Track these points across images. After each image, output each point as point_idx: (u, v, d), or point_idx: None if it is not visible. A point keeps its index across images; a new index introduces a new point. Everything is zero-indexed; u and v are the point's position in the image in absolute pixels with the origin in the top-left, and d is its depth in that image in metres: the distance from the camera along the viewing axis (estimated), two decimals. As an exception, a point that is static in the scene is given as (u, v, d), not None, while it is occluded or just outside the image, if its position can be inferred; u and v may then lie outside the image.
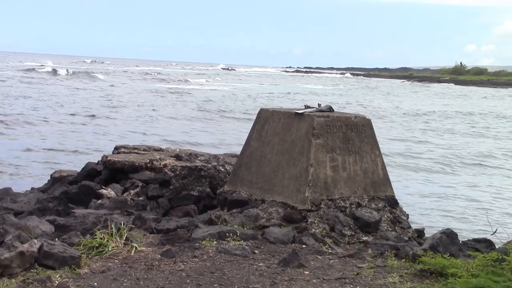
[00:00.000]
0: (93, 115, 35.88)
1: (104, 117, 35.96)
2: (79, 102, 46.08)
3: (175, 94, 61.54)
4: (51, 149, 23.53)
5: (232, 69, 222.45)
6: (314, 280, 6.32)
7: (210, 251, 7.10)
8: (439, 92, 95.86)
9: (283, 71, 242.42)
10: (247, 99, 61.11)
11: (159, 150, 13.46)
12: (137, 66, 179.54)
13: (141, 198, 10.67)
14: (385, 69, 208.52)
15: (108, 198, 10.64)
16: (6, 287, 5.52)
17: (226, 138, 27.98)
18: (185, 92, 65.83)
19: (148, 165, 11.77)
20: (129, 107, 44.65)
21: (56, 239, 7.10)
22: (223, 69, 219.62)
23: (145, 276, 6.16)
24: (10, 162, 20.53)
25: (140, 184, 11.19)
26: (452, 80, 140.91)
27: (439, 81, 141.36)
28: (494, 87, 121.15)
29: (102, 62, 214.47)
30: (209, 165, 11.52)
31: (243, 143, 10.07)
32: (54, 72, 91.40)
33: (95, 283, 5.86)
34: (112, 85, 70.73)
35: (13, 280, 5.70)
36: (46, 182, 13.59)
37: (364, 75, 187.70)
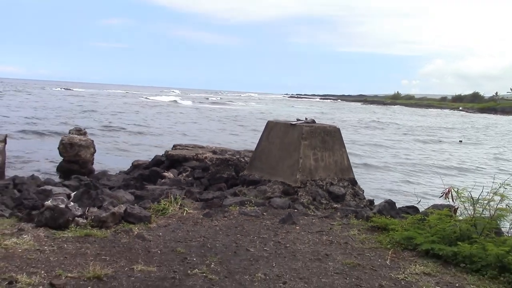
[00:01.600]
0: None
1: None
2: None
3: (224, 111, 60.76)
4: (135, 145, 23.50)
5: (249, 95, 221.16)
6: (302, 233, 6.31)
7: (234, 213, 7.10)
8: (383, 111, 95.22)
9: (282, 96, 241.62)
10: (259, 114, 60.98)
11: (202, 147, 13.46)
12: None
13: (190, 179, 10.68)
14: (349, 96, 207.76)
15: (169, 178, 10.66)
16: (104, 234, 5.54)
17: (247, 139, 27.85)
18: (232, 109, 65.73)
19: (195, 157, 11.78)
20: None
21: (135, 204, 7.14)
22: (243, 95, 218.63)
23: (193, 229, 6.17)
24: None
25: (189, 169, 11.20)
26: (392, 103, 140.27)
27: (384, 104, 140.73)
28: (420, 108, 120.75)
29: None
30: (234, 157, 11.52)
31: (256, 143, 10.07)
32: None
33: (160, 233, 5.88)
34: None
35: (108, 230, 5.72)
36: (129, 167, 13.62)
37: (334, 99, 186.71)
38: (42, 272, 4.20)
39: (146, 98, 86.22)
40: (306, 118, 9.74)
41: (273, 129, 9.57)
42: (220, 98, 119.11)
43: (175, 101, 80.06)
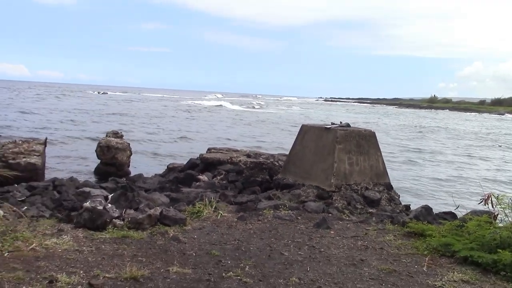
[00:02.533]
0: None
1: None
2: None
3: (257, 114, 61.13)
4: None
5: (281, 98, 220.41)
6: (337, 237, 6.27)
7: (268, 216, 7.10)
8: (421, 115, 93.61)
9: (316, 100, 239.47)
10: (294, 117, 60.85)
11: (236, 150, 13.51)
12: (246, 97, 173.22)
13: (224, 182, 10.73)
14: (384, 99, 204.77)
15: (203, 181, 10.73)
16: (140, 236, 5.62)
17: (283, 142, 27.69)
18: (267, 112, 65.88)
19: (229, 160, 11.83)
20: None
21: (171, 207, 7.21)
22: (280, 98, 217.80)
23: (227, 232, 6.20)
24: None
25: (224, 172, 11.25)
26: (429, 107, 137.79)
27: (420, 107, 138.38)
28: (457, 112, 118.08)
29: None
30: (268, 161, 11.53)
31: (290, 146, 10.06)
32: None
33: (195, 236, 5.92)
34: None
35: (144, 232, 5.80)
36: (164, 170, 13.78)
37: (369, 103, 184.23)
38: (81, 272, 4.29)
39: (192, 101, 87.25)
40: (340, 122, 9.68)
41: (307, 133, 9.55)
42: (263, 102, 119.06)
43: (220, 105, 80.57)
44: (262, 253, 5.41)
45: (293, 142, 10.01)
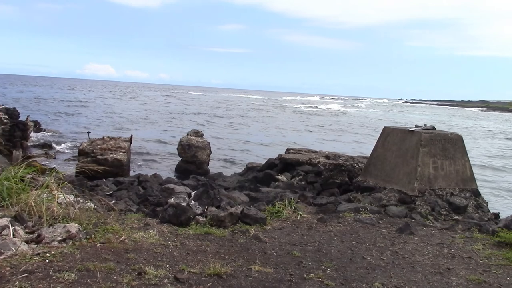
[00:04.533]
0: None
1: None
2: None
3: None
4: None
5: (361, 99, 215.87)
6: (421, 244, 6.06)
7: (349, 219, 6.99)
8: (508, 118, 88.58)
9: (396, 101, 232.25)
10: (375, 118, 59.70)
11: (315, 151, 13.44)
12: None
13: (303, 183, 10.71)
14: (468, 101, 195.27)
15: (282, 181, 10.78)
16: (222, 233, 5.72)
17: (361, 145, 27.34)
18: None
19: (308, 161, 11.79)
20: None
21: (251, 206, 7.29)
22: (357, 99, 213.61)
23: (307, 233, 6.17)
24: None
25: (302, 173, 11.24)
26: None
27: (508, 111, 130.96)
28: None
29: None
30: (348, 163, 11.36)
31: (371, 149, 9.85)
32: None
33: (275, 235, 5.94)
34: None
35: (226, 230, 5.90)
36: (243, 169, 13.97)
37: (452, 105, 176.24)
38: (167, 265, 4.43)
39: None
40: (425, 124, 9.35)
41: (389, 135, 9.31)
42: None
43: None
44: (344, 256, 5.33)
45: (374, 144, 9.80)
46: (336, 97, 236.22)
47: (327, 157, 12.15)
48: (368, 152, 10.66)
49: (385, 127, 9.69)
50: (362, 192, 8.97)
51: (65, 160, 19.17)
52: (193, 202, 6.55)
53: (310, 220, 6.89)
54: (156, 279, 4.07)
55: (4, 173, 5.69)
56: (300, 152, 13.06)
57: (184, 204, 6.24)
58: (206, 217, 6.22)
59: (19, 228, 4.72)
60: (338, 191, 10.01)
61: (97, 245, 4.76)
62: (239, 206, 6.65)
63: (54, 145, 22.66)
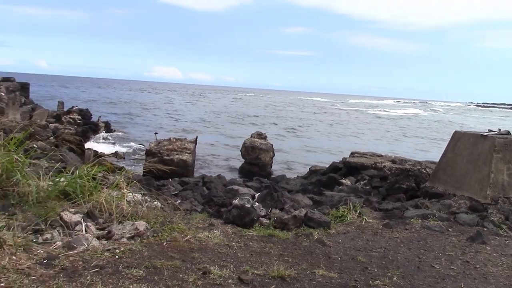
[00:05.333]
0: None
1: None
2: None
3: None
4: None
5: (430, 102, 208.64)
6: (494, 254, 5.77)
7: (416, 226, 6.77)
8: None
9: (467, 105, 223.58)
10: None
11: (380, 155, 13.16)
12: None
13: (367, 187, 10.52)
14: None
15: (346, 185, 10.63)
16: (286, 236, 5.70)
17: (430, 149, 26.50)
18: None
19: (373, 165, 11.57)
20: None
21: (315, 209, 7.21)
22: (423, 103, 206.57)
23: (372, 239, 6.03)
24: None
25: (367, 177, 11.04)
26: None
27: None
28: None
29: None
30: (415, 168, 11.04)
31: (440, 154, 9.53)
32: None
33: (340, 240, 5.85)
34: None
35: (289, 233, 5.87)
36: (306, 172, 13.89)
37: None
38: (231, 266, 4.46)
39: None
40: (499, 129, 8.93)
41: (460, 139, 8.96)
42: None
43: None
44: (411, 263, 5.16)
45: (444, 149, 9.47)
46: (407, 101, 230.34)
47: (393, 161, 11.87)
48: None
49: (455, 131, 9.34)
50: (430, 198, 8.69)
51: (133, 159, 19.82)
52: (257, 204, 6.56)
53: (375, 225, 6.73)
54: (221, 279, 4.10)
55: (77, 172, 5.93)
56: (365, 156, 12.84)
57: (248, 205, 6.27)
58: (269, 219, 6.21)
59: (90, 224, 4.91)
60: (405, 196, 9.74)
61: (164, 243, 4.86)
62: (302, 209, 6.60)
63: (123, 145, 23.51)
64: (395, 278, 4.63)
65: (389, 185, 10.46)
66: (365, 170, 11.38)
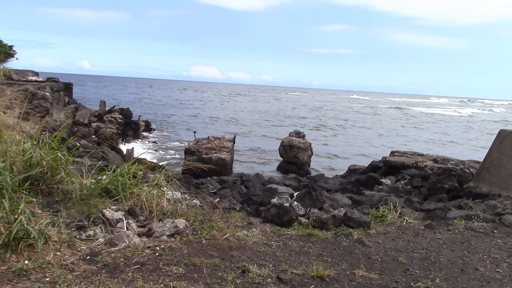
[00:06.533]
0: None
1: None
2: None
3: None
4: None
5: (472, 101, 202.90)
6: (544, 258, 5.56)
7: (459, 227, 6.59)
8: None
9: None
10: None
11: (421, 155, 12.90)
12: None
13: (408, 187, 10.32)
14: None
15: (386, 185, 10.46)
16: (325, 235, 5.65)
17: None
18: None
19: (414, 164, 11.36)
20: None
21: (354, 209, 7.12)
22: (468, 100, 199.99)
23: (414, 240, 5.91)
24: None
25: (408, 177, 10.85)
26: None
27: None
28: None
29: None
30: (458, 167, 10.77)
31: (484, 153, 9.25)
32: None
33: (380, 240, 5.75)
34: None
35: (328, 232, 5.81)
36: (345, 171, 13.75)
37: None
38: (270, 265, 4.44)
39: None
40: (547, 128, 8.61)
41: (506, 138, 8.67)
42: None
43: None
44: (454, 266, 5.02)
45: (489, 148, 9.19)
46: (455, 99, 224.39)
47: (434, 160, 11.60)
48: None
49: (501, 130, 9.06)
50: (474, 199, 8.45)
51: (173, 158, 20.08)
52: (295, 203, 6.53)
53: (416, 226, 6.59)
54: (259, 278, 4.09)
55: (119, 169, 6.04)
56: (405, 155, 12.60)
57: (287, 204, 6.24)
58: (308, 218, 6.17)
59: (132, 222, 4.99)
60: (447, 196, 9.51)
61: (203, 241, 4.89)
62: (342, 208, 6.53)
63: (162, 143, 23.86)
64: (437, 280, 4.52)
65: (430, 185, 10.23)
66: (406, 170, 11.18)
